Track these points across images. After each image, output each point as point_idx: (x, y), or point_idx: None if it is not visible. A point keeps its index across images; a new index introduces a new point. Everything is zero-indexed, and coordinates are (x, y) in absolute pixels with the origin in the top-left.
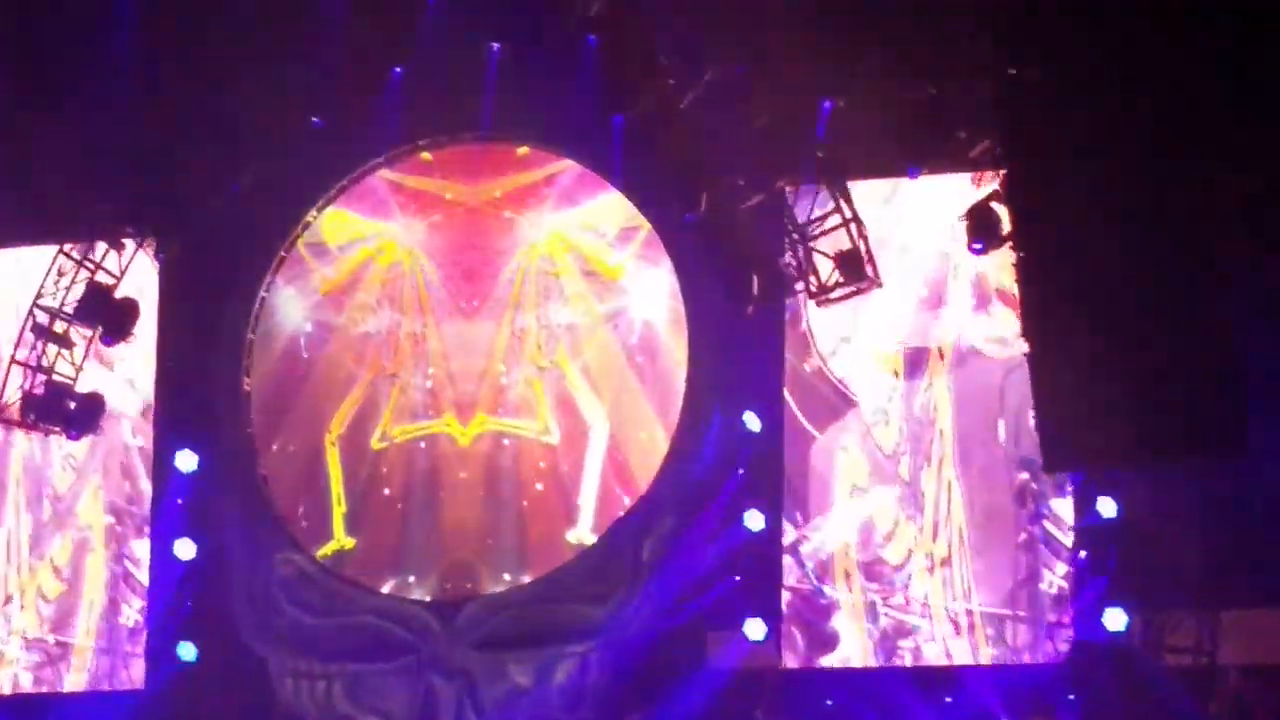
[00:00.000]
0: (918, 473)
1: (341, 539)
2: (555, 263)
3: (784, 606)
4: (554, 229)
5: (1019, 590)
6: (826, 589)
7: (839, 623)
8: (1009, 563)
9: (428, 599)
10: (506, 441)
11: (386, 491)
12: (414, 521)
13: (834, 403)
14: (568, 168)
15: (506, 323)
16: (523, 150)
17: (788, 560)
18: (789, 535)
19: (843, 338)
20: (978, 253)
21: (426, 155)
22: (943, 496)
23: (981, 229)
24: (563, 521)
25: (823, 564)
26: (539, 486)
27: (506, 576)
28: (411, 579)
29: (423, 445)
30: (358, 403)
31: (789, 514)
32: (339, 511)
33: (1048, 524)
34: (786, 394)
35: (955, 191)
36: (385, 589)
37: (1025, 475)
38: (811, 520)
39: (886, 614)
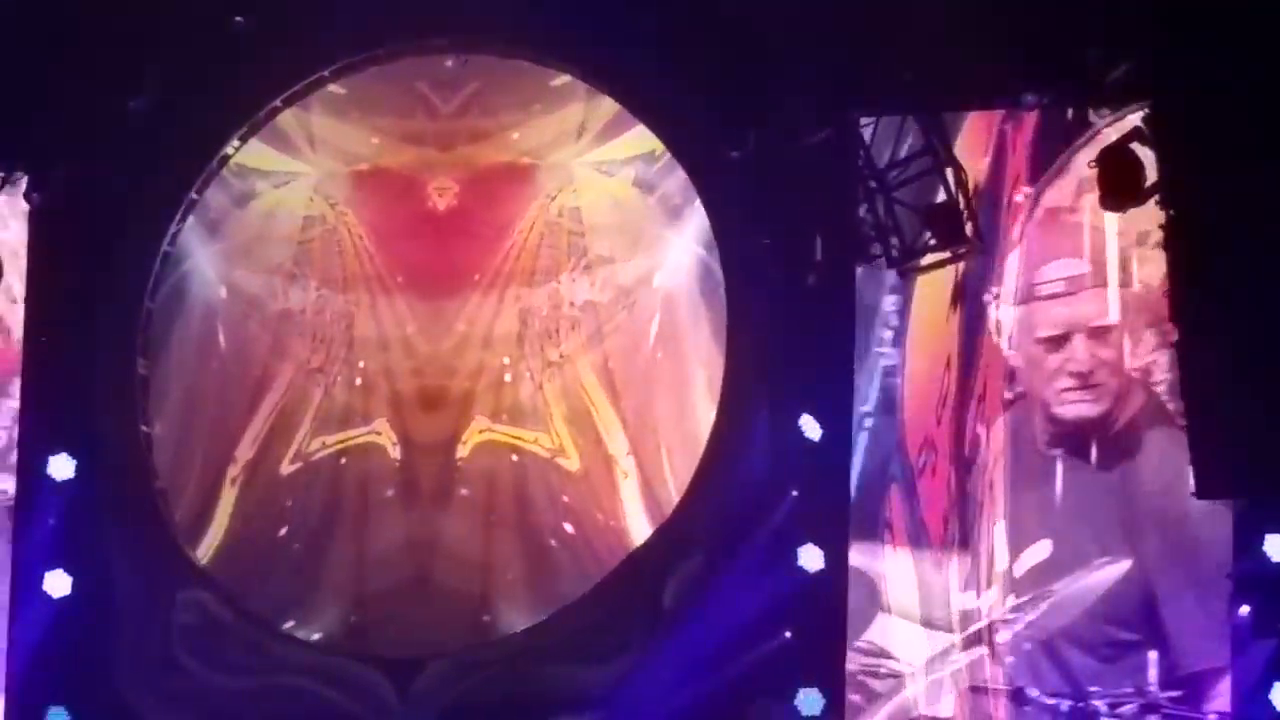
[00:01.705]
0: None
1: None
2: (582, 219)
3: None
4: (582, 172)
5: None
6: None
7: None
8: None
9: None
10: (515, 458)
11: (282, 533)
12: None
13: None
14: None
15: (511, 300)
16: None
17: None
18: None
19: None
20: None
21: (335, 88)
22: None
23: (1117, 179)
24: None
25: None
26: (569, 528)
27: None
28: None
29: (344, 462)
30: (274, 412)
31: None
32: None
33: None
34: None
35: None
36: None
37: None
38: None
39: None
